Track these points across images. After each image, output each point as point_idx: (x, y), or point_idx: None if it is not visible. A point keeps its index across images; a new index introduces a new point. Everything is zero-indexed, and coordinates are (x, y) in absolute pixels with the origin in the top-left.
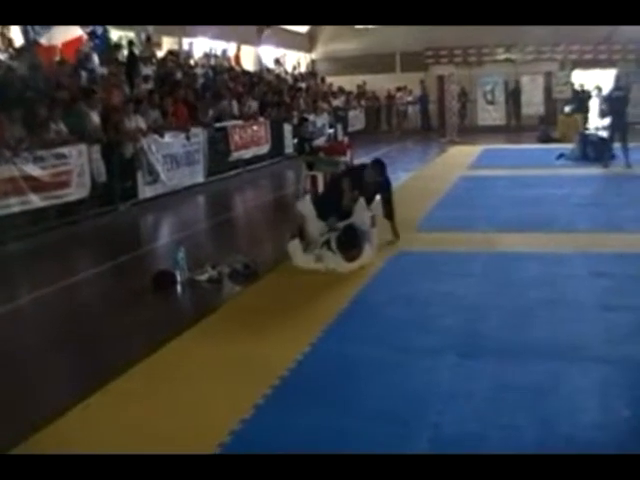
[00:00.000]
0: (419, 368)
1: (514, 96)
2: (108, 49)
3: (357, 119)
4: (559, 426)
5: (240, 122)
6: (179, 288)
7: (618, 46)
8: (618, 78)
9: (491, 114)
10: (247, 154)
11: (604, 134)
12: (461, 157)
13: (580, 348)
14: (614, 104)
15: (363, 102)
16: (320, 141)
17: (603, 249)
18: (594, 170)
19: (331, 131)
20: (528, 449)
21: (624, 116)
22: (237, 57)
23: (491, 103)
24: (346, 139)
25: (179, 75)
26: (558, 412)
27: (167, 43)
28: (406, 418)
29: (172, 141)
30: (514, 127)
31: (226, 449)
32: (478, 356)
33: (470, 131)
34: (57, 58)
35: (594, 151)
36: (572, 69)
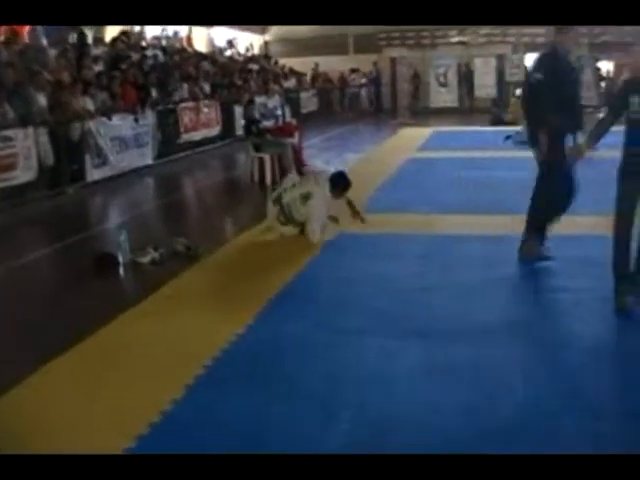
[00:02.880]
0: (348, 349)
1: (467, 78)
2: (57, 30)
3: (310, 101)
4: (482, 405)
5: (190, 104)
6: (121, 270)
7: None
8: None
9: (444, 96)
10: (197, 136)
11: None
12: (411, 139)
13: (517, 329)
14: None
15: (316, 84)
16: (269, 123)
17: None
18: None
19: (279, 113)
20: (448, 428)
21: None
22: (189, 38)
23: (444, 85)
24: (294, 121)
25: (134, 56)
26: (483, 392)
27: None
28: (331, 399)
29: (121, 123)
30: (467, 109)
31: (155, 429)
32: (407, 337)
33: (423, 113)
34: (1, 38)
35: None
36: (525, 52)
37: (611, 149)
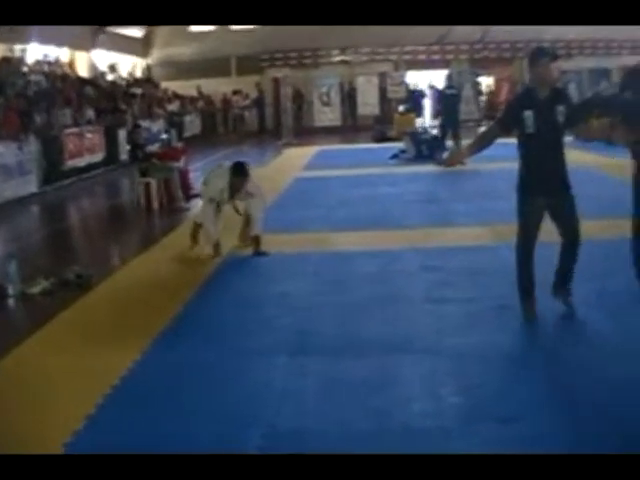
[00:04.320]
0: (253, 369)
1: (350, 97)
2: None
3: (193, 124)
4: (392, 416)
5: (74, 130)
6: (11, 302)
7: (451, 47)
8: (450, 77)
9: (327, 115)
10: (82, 162)
11: (437, 132)
12: (297, 159)
13: (410, 341)
14: (446, 102)
15: (199, 106)
16: (154, 147)
17: (434, 244)
18: (428, 167)
19: (165, 137)
20: (363, 441)
21: (456, 114)
22: (71, 63)
23: (327, 104)
24: (180, 145)
25: (19, 82)
26: (390, 403)
27: None
28: (241, 418)
29: (3, 151)
30: (350, 127)
31: None
32: (311, 354)
33: (307, 133)
34: None
35: (428, 149)
36: (406, 69)
37: (495, 162)
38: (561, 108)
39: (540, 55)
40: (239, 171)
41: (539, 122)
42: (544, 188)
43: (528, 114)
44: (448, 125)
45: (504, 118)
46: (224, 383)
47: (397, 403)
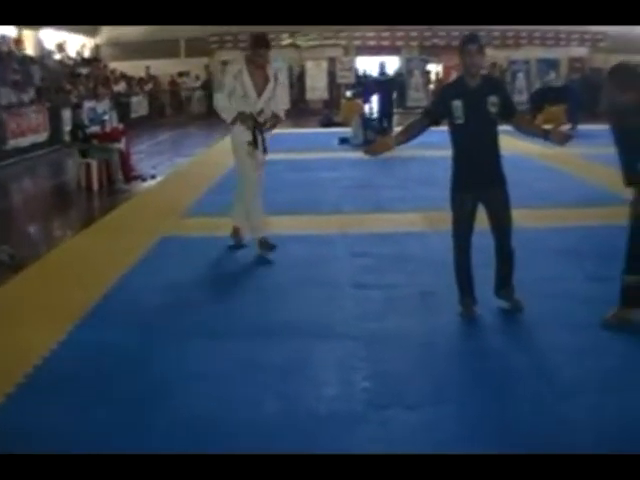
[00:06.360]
0: (170, 352)
1: (299, 81)
2: None
3: (140, 105)
4: (301, 400)
5: (17, 109)
6: None
7: (401, 33)
8: (382, 65)
9: None
10: (24, 142)
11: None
12: None
13: (329, 325)
14: (379, 89)
15: (146, 88)
16: (97, 128)
17: (366, 230)
18: None
19: (106, 118)
20: (269, 424)
21: (388, 101)
22: (18, 41)
23: None
24: (121, 126)
25: None
26: (301, 387)
27: None
28: (148, 402)
29: None
30: (298, 111)
31: None
32: (229, 337)
33: None
34: None
35: (374, 134)
36: (356, 55)
37: (440, 149)
38: (493, 98)
39: (469, 42)
40: (259, 41)
41: (469, 112)
42: (476, 181)
43: (457, 104)
44: (382, 112)
45: (432, 108)
46: (138, 366)
47: (307, 387)
